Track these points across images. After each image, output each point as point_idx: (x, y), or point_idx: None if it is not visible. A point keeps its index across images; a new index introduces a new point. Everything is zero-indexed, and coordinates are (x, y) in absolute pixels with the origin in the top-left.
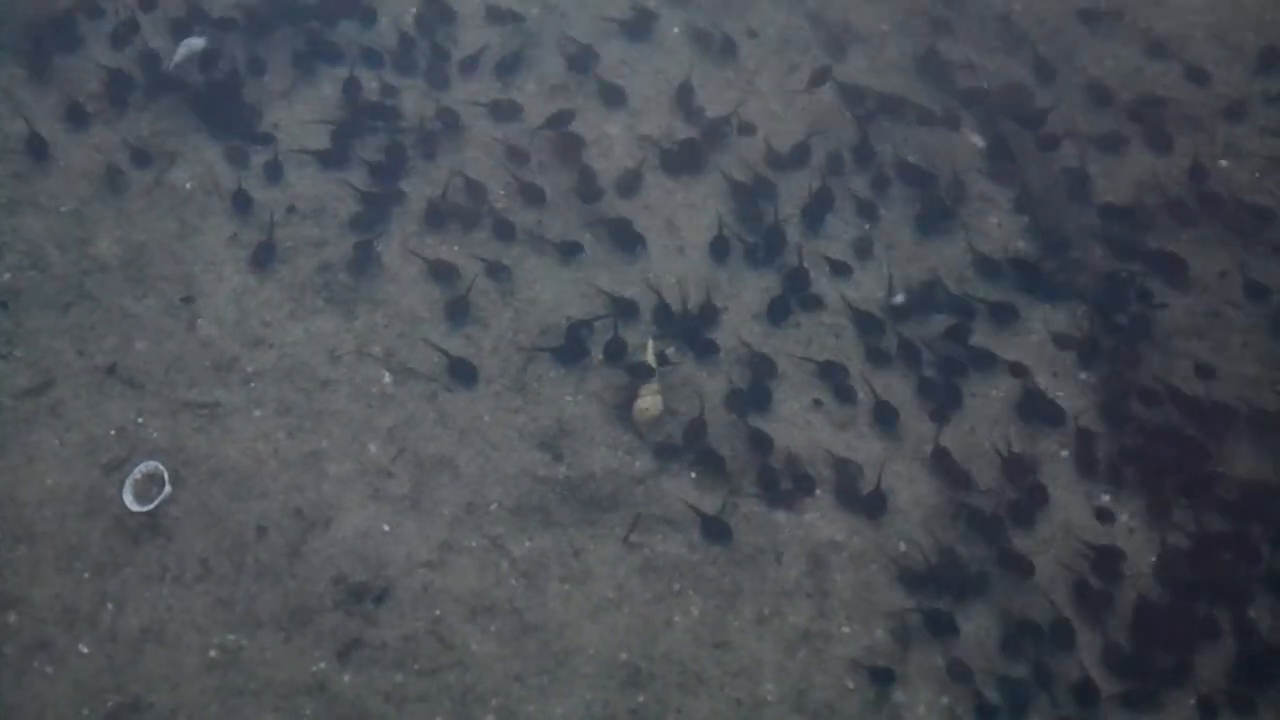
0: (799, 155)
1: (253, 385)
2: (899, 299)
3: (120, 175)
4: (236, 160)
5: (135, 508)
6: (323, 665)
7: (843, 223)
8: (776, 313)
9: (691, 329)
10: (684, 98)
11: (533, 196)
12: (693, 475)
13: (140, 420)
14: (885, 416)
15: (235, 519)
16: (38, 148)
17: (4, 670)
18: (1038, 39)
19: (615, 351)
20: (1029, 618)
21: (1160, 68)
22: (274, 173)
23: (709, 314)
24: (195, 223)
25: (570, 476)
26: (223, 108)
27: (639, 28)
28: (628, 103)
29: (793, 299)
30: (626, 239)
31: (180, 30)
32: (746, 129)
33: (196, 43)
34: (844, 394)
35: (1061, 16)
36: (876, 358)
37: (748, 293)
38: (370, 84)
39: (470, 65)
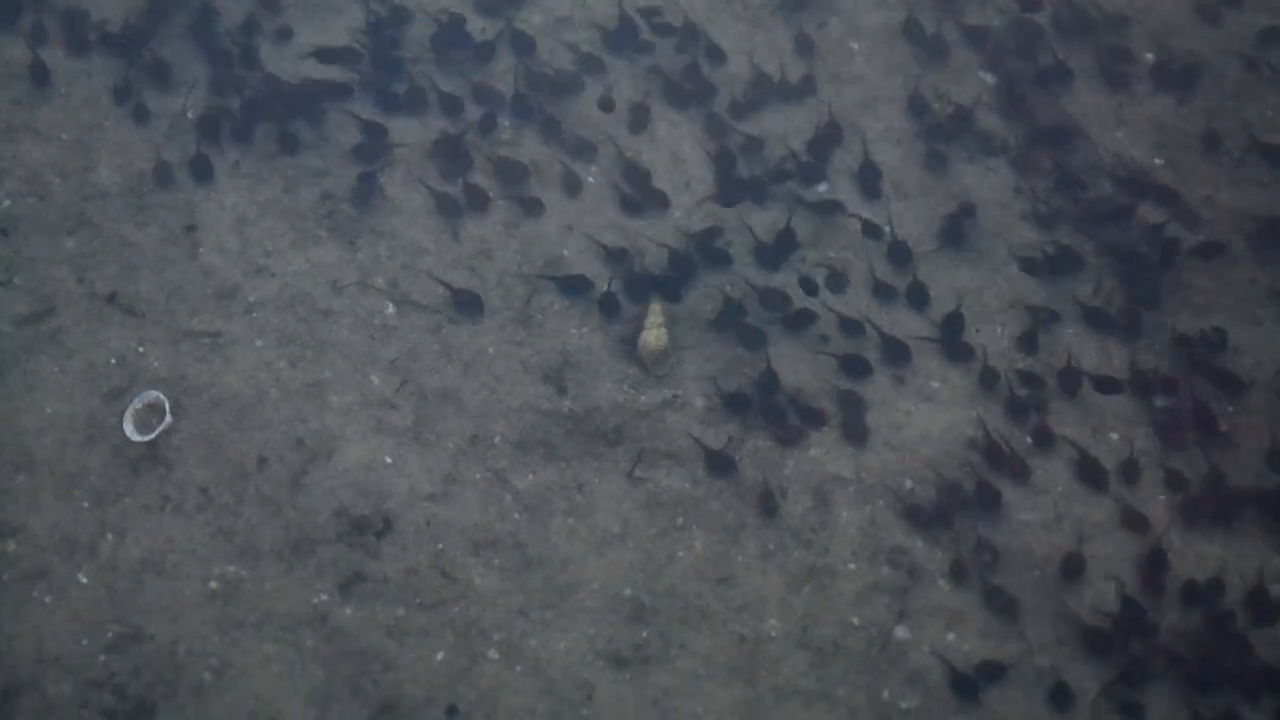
0: (807, 89)
1: (254, 315)
2: (823, 188)
3: (121, 102)
4: (238, 88)
5: (136, 437)
6: (324, 597)
7: (851, 158)
8: (782, 249)
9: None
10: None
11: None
12: (699, 405)
13: (141, 349)
14: (895, 351)
15: (236, 449)
16: (39, 74)
17: (3, 600)
18: None
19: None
20: None
21: (1172, 5)
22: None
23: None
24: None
25: (574, 410)
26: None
27: None
28: (635, 39)
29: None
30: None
31: None
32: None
33: None
34: (852, 330)
35: None
36: (884, 294)
37: (752, 227)
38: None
39: None
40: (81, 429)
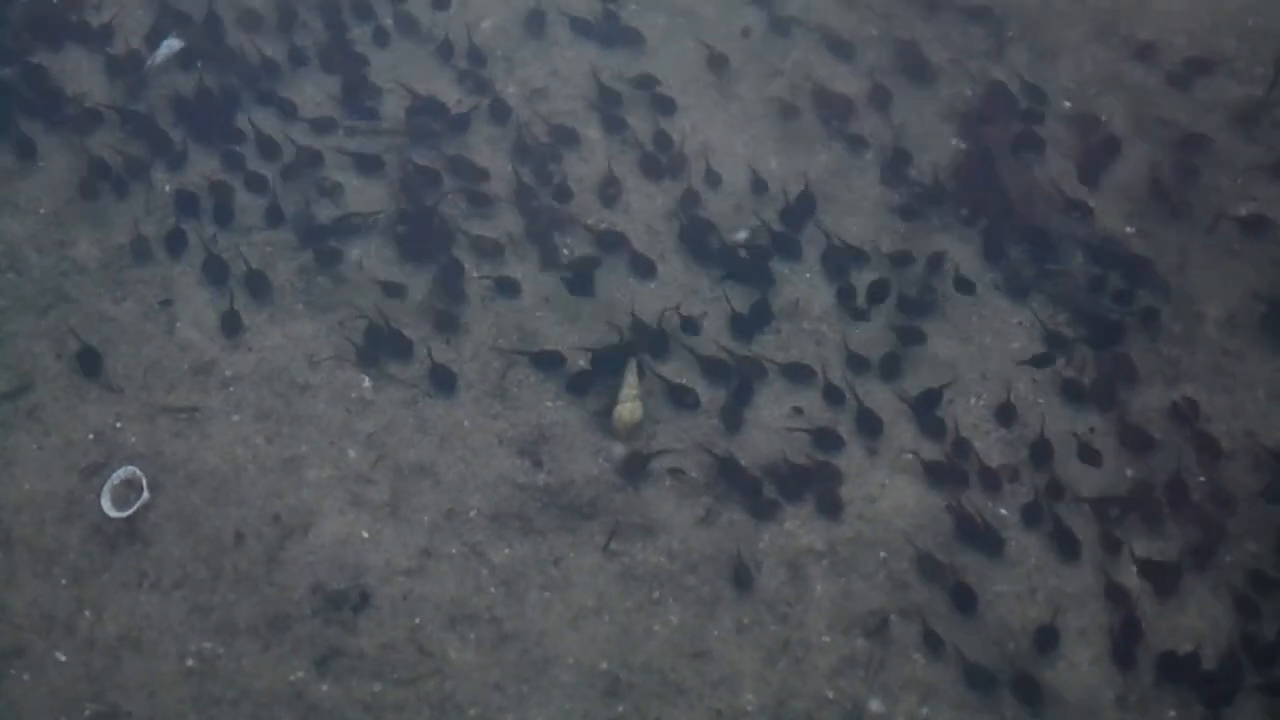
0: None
1: (231, 389)
2: (743, 235)
3: (100, 178)
4: (224, 164)
5: (113, 513)
6: (301, 674)
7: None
8: (756, 320)
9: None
10: (664, 104)
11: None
12: (667, 484)
13: (118, 425)
14: (869, 424)
15: (213, 525)
16: (24, 149)
17: None
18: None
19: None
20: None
21: (1141, 73)
22: (256, 181)
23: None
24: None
25: (550, 484)
26: (202, 111)
27: (621, 28)
28: (611, 109)
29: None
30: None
31: (158, 33)
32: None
33: (175, 44)
34: (827, 400)
35: (1044, 19)
36: (858, 364)
37: (730, 298)
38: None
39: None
40: (59, 506)
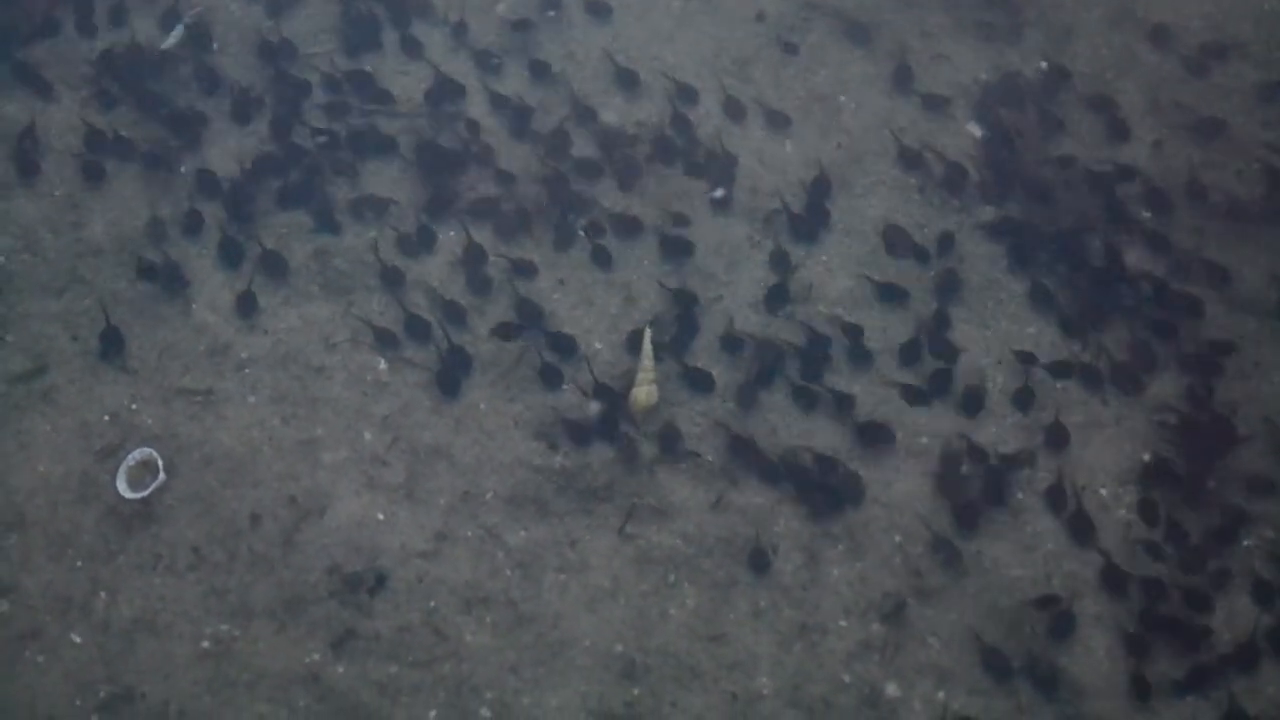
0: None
1: (247, 371)
2: (719, 193)
3: (115, 159)
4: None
5: (129, 495)
6: (316, 656)
7: (838, 213)
8: (773, 301)
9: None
10: (681, 88)
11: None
12: (682, 467)
13: (134, 406)
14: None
15: (229, 507)
16: (30, 133)
17: None
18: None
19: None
20: None
21: (1158, 58)
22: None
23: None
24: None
25: (566, 466)
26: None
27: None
28: (626, 89)
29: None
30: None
31: (170, 15)
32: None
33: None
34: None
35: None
36: (859, 355)
37: (743, 282)
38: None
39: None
40: (74, 487)
